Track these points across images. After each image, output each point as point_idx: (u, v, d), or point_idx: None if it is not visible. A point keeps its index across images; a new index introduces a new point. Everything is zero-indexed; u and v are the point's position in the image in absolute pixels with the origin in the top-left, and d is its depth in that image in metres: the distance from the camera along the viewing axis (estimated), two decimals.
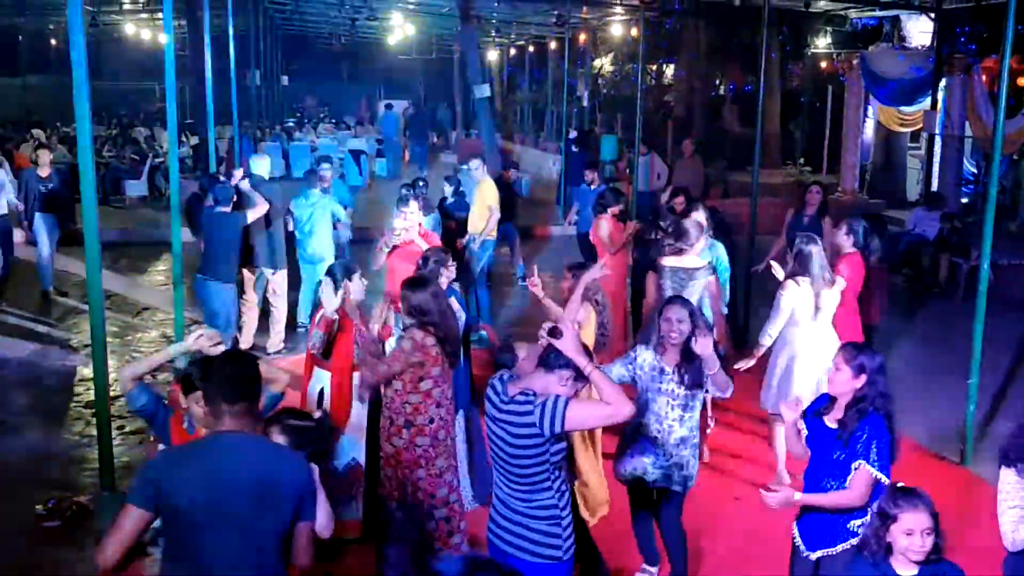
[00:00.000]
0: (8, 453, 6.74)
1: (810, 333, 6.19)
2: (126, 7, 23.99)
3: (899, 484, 3.20)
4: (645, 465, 4.72)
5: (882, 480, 3.79)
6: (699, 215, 7.14)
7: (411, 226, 7.31)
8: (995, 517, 4.07)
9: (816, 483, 4.00)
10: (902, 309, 11.39)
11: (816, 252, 6.18)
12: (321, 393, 5.30)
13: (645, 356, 4.76)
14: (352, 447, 5.29)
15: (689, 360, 4.62)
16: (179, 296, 8.69)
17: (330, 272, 5.39)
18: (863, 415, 3.88)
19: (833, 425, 3.97)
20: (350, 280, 5.34)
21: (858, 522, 3.89)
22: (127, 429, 7.15)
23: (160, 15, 18.48)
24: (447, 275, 5.75)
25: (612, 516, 5.67)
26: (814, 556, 4.02)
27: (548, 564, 3.70)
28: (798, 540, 4.11)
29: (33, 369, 8.60)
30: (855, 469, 3.84)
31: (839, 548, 3.93)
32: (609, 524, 5.57)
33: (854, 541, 3.83)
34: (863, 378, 3.92)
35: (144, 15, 25.49)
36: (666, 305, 4.75)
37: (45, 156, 11.33)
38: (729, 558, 5.44)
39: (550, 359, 3.64)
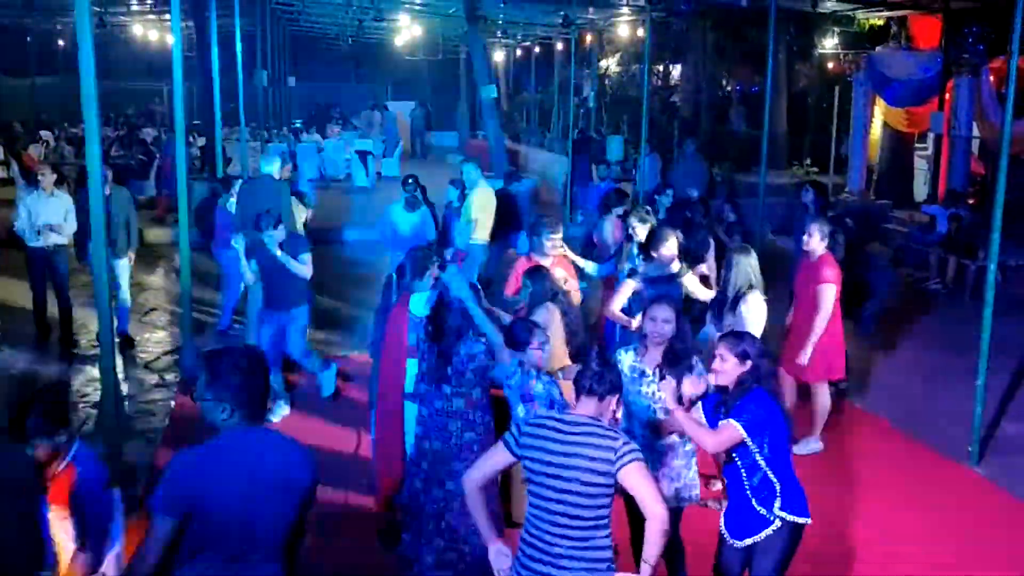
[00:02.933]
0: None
1: None
2: (134, 8, 24.02)
3: None
4: None
5: (747, 441, 3.95)
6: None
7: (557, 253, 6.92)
8: (1004, 518, 4.10)
9: (732, 475, 4.12)
10: (909, 309, 11.37)
11: (742, 261, 6.27)
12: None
13: (625, 359, 4.69)
14: None
15: (672, 362, 4.51)
16: (186, 297, 8.72)
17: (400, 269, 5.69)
18: (745, 392, 4.04)
19: None
20: (421, 279, 5.55)
21: (763, 509, 4.00)
22: (137, 429, 7.18)
23: (168, 16, 18.55)
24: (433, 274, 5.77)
25: None
26: (741, 544, 4.10)
27: None
28: (724, 531, 4.20)
29: (41, 370, 8.63)
30: (722, 425, 4.03)
31: (763, 535, 4.01)
32: None
33: (776, 525, 3.98)
34: (748, 363, 4.06)
35: (152, 16, 25.54)
36: (652, 304, 4.68)
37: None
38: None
39: (593, 386, 3.55)
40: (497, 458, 3.61)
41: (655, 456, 4.56)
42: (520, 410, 4.63)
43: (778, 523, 3.99)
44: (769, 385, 4.10)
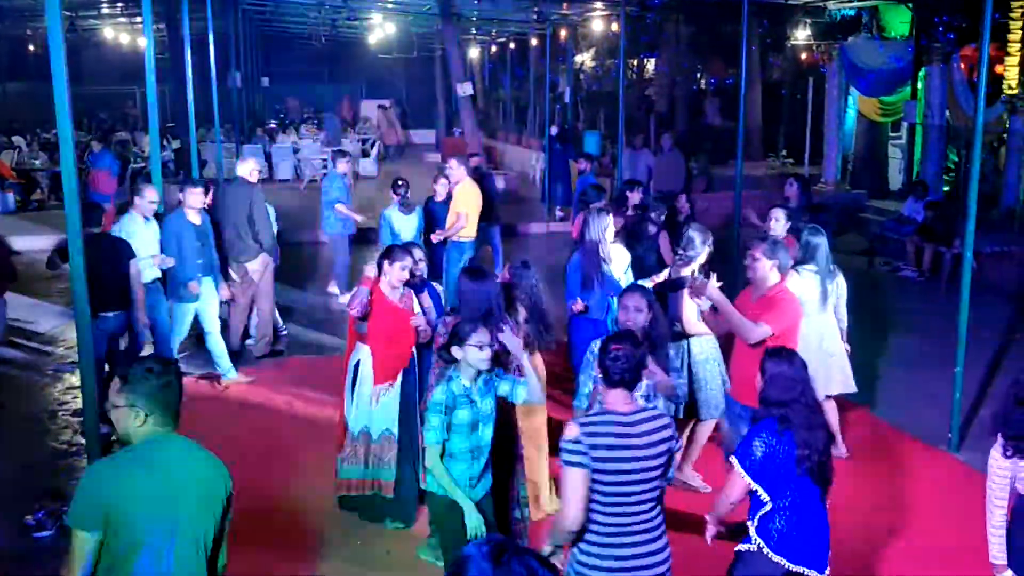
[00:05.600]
0: None
1: (819, 323, 6.23)
2: (105, 11, 23.79)
3: None
4: None
5: (744, 477, 3.81)
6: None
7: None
8: (983, 505, 4.12)
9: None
10: (886, 297, 11.46)
11: (823, 243, 6.29)
12: (357, 365, 5.56)
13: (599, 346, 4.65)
14: (387, 416, 5.51)
15: (648, 351, 4.39)
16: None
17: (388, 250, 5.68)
18: (761, 416, 3.92)
19: None
20: (391, 264, 5.50)
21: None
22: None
23: (139, 19, 18.38)
24: (419, 271, 5.85)
25: None
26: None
27: None
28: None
29: (20, 378, 8.55)
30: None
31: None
32: None
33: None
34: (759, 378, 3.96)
35: (123, 19, 25.30)
36: (625, 292, 4.67)
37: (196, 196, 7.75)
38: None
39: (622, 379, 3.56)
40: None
41: None
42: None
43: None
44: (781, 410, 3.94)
